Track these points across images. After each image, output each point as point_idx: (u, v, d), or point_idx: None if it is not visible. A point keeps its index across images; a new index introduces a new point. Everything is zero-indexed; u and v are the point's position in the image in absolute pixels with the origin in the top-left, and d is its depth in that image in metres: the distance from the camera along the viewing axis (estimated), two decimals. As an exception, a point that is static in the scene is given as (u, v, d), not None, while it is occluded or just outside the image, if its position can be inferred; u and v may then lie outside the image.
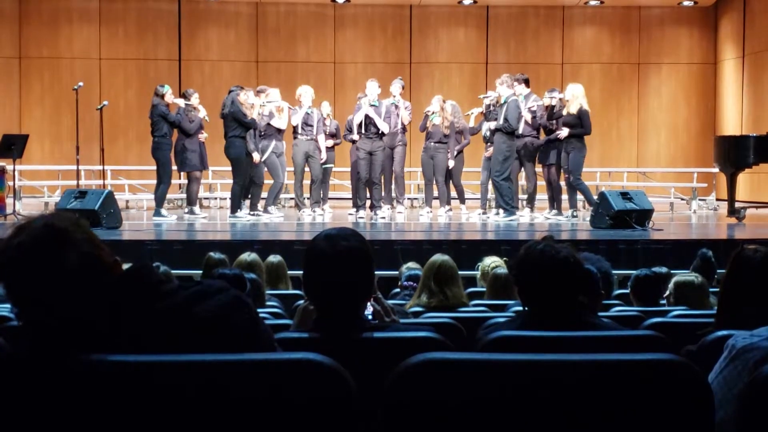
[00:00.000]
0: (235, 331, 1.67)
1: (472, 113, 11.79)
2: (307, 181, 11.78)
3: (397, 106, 11.48)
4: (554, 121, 10.82)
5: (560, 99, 10.86)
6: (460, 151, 11.64)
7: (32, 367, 1.56)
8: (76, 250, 1.60)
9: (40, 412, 1.55)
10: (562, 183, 11.17)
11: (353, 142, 11.34)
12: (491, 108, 11.20)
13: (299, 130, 11.36)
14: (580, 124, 10.50)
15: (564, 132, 10.52)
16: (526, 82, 11.09)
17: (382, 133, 11.15)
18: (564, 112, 10.63)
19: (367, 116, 11.08)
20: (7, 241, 1.63)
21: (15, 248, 1.60)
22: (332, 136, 11.89)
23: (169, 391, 1.57)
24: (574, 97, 10.56)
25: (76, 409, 1.55)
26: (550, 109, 10.90)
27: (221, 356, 1.60)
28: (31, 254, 1.58)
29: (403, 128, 11.61)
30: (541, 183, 11.62)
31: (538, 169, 11.55)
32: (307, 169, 11.59)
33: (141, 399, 1.57)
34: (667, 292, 4.53)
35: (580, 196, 11.24)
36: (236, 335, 1.67)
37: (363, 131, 11.12)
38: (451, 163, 11.59)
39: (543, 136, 11.13)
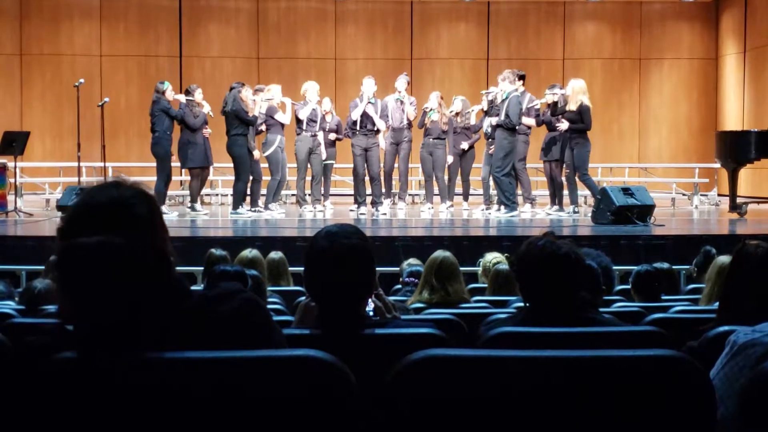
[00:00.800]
0: (252, 329, 1.72)
1: (472, 110, 11.77)
2: (308, 178, 11.78)
3: (402, 102, 11.46)
4: (557, 117, 10.83)
5: (563, 95, 10.85)
6: (471, 147, 11.66)
7: (88, 367, 1.58)
8: (132, 270, 1.61)
9: (98, 411, 1.57)
10: (564, 179, 11.17)
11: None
12: (493, 104, 11.19)
13: (304, 126, 11.33)
14: (581, 119, 10.50)
15: (564, 125, 10.54)
16: (522, 79, 11.04)
17: (378, 130, 11.18)
18: (567, 108, 10.65)
19: (364, 113, 11.11)
20: (65, 229, 1.63)
21: (69, 256, 1.60)
22: (334, 131, 11.89)
23: (177, 389, 1.59)
24: (575, 93, 10.56)
25: (130, 405, 1.58)
26: (554, 105, 10.89)
27: (224, 353, 1.61)
28: (83, 272, 1.59)
29: (409, 124, 11.59)
30: (542, 179, 11.61)
31: (540, 165, 11.55)
32: (307, 165, 11.60)
33: (156, 396, 1.58)
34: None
35: (581, 192, 11.22)
36: (253, 333, 1.72)
37: (358, 128, 11.14)
38: (450, 159, 11.61)
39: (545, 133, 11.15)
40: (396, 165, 11.75)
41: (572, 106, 10.53)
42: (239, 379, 1.59)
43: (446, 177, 11.88)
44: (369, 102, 11.11)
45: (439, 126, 11.48)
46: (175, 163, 11.27)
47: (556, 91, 10.94)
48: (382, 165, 11.51)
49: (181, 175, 13.36)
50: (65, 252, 1.59)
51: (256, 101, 10.80)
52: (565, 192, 11.23)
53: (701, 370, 1.64)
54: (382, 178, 11.51)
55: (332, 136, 11.74)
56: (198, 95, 11.12)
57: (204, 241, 7.95)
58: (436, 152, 11.52)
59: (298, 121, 11.34)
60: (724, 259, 4.35)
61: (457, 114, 11.64)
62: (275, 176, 11.21)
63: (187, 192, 11.52)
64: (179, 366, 1.60)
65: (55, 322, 1.67)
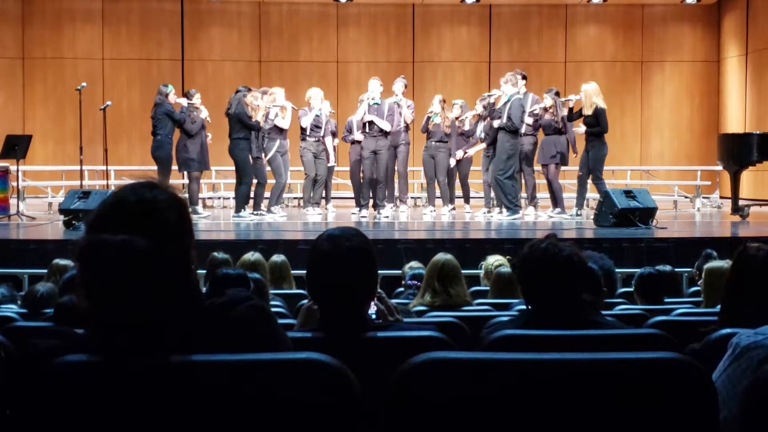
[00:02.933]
0: (259, 336, 1.74)
1: (466, 118, 11.74)
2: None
3: (399, 105, 11.46)
4: (562, 123, 10.91)
5: (576, 100, 10.92)
6: (465, 152, 11.69)
7: (108, 369, 1.59)
8: (150, 272, 1.61)
9: (111, 413, 1.57)
10: (568, 181, 11.19)
11: (353, 142, 11.36)
12: (493, 107, 11.19)
13: (308, 132, 11.34)
14: (597, 122, 10.54)
15: (581, 129, 10.67)
16: (524, 79, 11.04)
17: (386, 132, 11.16)
18: (583, 113, 10.72)
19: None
20: (93, 223, 1.64)
21: (90, 250, 1.60)
22: (332, 135, 11.90)
23: (179, 392, 1.59)
24: (588, 97, 10.59)
25: (141, 407, 1.58)
26: (570, 111, 10.95)
27: (228, 357, 1.61)
28: (101, 268, 1.59)
29: (406, 127, 11.60)
30: (542, 182, 11.62)
31: (538, 168, 11.55)
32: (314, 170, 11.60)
33: (162, 398, 1.58)
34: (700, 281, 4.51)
35: (589, 194, 11.20)
36: (260, 339, 1.74)
37: (367, 130, 11.11)
38: (452, 162, 11.61)
39: (542, 136, 11.18)
40: (396, 168, 11.76)
41: (588, 111, 10.57)
42: (242, 381, 1.60)
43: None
44: (374, 103, 11.09)
45: (442, 129, 11.50)
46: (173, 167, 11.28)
47: (571, 97, 11.02)
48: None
49: (182, 178, 13.35)
50: (87, 246, 1.60)
51: (260, 106, 10.78)
52: (572, 194, 11.23)
53: (704, 373, 1.64)
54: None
55: (334, 143, 11.81)
56: (196, 99, 11.13)
57: (206, 245, 7.95)
58: (438, 155, 11.54)
59: (302, 128, 11.35)
60: (715, 264, 4.38)
61: (456, 118, 11.67)
62: (279, 180, 11.23)
63: (186, 195, 11.53)
64: (183, 369, 1.60)
65: (61, 326, 1.68)
